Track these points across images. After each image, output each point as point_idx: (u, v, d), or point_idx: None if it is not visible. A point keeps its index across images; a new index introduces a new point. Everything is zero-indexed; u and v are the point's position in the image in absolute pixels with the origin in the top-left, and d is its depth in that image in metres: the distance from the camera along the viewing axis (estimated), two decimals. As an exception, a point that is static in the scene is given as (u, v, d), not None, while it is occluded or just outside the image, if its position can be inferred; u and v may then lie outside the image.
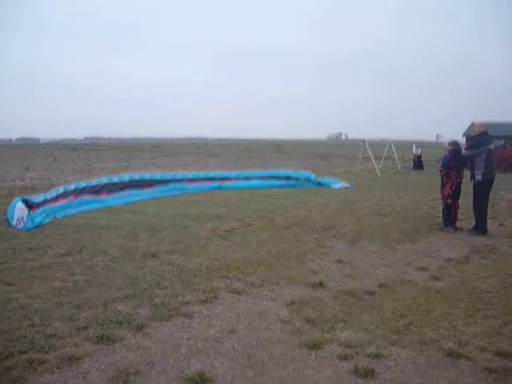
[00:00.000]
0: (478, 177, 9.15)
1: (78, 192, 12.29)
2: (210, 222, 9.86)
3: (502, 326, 4.61)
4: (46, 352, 3.83)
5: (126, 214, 10.93)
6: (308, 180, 18.06)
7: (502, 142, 31.97)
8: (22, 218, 8.99)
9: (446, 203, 9.72)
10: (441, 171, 9.97)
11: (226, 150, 62.14)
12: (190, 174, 17.84)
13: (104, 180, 14.17)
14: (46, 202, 10.81)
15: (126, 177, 15.08)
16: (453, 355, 3.95)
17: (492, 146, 9.34)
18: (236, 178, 17.71)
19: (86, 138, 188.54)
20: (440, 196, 10.15)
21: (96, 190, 12.89)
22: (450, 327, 4.54)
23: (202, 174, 17.67)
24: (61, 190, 12.18)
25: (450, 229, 9.56)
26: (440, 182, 10.06)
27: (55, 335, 4.14)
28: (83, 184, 13.29)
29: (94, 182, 13.85)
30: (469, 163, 9.52)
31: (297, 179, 18.02)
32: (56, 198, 11.23)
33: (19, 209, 9.40)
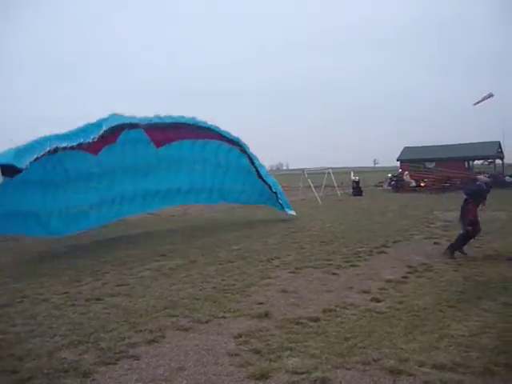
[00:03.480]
0: None
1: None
2: (154, 262, 9.78)
3: (438, 340, 4.87)
4: (-12, 408, 3.72)
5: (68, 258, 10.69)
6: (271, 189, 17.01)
7: (433, 164, 33.50)
8: None
9: (467, 230, 9.49)
10: (467, 199, 9.66)
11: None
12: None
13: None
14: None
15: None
16: (394, 372, 4.13)
17: None
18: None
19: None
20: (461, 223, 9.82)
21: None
22: (391, 345, 4.74)
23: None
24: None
25: (461, 253, 9.39)
26: (462, 209, 9.72)
27: (-3, 390, 4.02)
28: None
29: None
30: None
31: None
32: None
33: None
